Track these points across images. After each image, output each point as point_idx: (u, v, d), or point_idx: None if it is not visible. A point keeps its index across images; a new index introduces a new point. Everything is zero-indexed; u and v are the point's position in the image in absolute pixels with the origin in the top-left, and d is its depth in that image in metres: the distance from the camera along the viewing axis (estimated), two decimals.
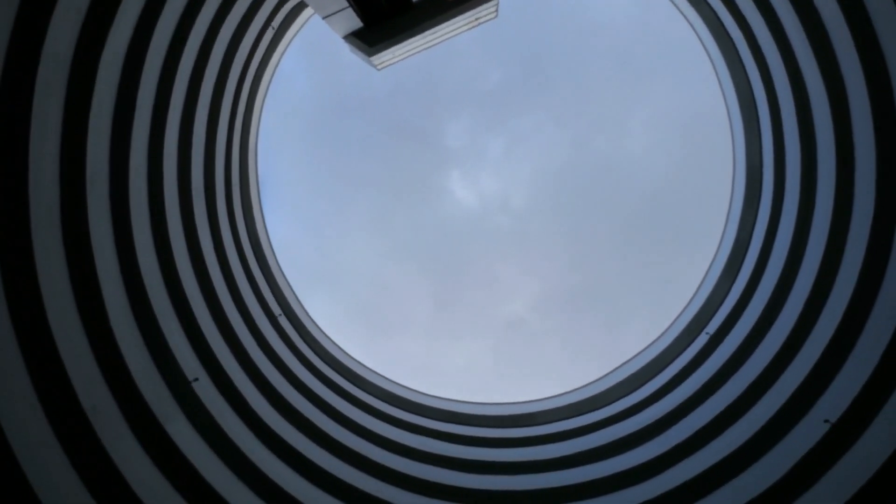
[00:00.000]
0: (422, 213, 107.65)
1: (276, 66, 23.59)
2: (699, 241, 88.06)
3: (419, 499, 15.86)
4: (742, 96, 19.58)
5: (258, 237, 22.29)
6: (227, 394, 14.92)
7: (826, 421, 12.89)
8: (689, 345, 19.99)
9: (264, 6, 19.77)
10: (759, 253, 18.34)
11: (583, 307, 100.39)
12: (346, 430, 17.74)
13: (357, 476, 15.86)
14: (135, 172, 14.03)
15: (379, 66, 22.45)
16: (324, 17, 19.39)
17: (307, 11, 22.67)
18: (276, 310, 20.86)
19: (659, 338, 21.94)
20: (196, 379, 14.02)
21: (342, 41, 21.35)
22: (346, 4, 18.79)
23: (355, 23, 20.18)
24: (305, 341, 21.46)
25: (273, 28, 21.59)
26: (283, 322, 20.80)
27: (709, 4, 19.16)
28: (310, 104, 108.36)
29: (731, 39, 19.28)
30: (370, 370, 22.80)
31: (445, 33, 22.16)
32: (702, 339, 19.29)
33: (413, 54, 23.05)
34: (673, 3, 21.38)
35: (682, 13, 21.28)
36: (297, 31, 23.50)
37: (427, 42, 22.24)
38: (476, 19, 21.78)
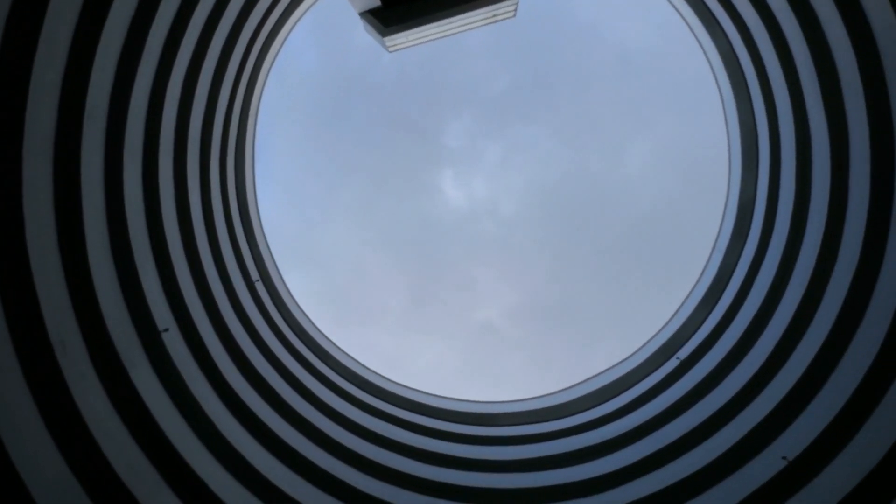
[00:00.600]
0: (409, 206, 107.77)
1: (287, 36, 23.46)
2: (680, 271, 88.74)
3: (349, 470, 16.04)
4: (745, 131, 19.70)
5: (246, 200, 22.15)
6: (194, 349, 14.80)
7: (784, 458, 12.97)
8: (658, 367, 20.10)
9: None
10: (739, 286, 18.49)
11: (555, 322, 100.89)
12: (306, 402, 17.75)
13: (300, 440, 16.00)
14: (133, 113, 13.89)
15: (391, 48, 22.41)
16: None
17: None
18: (255, 275, 20.74)
19: (629, 357, 22.03)
20: (166, 329, 13.89)
21: (355, 20, 21.27)
22: None
23: (374, 1, 20.13)
24: (279, 311, 21.36)
25: None
26: (260, 288, 20.69)
27: (726, 36, 19.22)
28: (313, 81, 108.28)
29: (742, 74, 19.37)
30: (338, 348, 22.74)
31: (461, 25, 22.14)
32: (671, 364, 19.40)
33: (426, 41, 23.02)
34: (692, 31, 21.46)
35: (699, 43, 21.34)
36: (311, 5, 23.37)
37: (442, 31, 22.20)
38: (494, 15, 21.78)
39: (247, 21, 18.80)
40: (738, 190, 20.23)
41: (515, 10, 21.87)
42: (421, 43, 22.91)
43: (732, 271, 19.52)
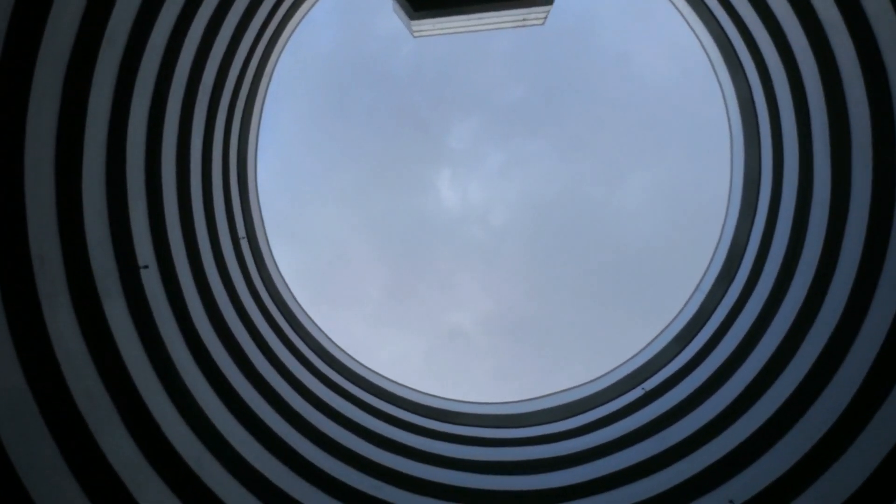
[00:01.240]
0: (403, 199, 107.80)
1: (311, 7, 23.36)
2: (659, 307, 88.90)
3: (290, 430, 16.16)
4: (749, 180, 19.83)
5: (246, 157, 22.11)
6: (169, 291, 14.72)
7: (730, 502, 13.08)
8: (622, 394, 20.16)
9: None
10: (716, 329, 18.64)
11: (526, 338, 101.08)
12: (269, 363, 17.75)
13: (250, 392, 16.13)
14: (152, 46, 13.90)
15: (416, 34, 22.38)
16: None
17: None
18: (241, 232, 20.68)
19: (595, 379, 22.07)
20: (146, 266, 13.81)
21: (380, 5, 21.27)
22: None
23: None
24: (259, 272, 21.31)
25: None
26: (244, 246, 20.62)
27: (747, 80, 19.34)
28: (328, 60, 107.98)
29: (756, 122, 19.49)
30: (309, 318, 22.71)
31: (490, 23, 22.16)
32: (636, 393, 19.47)
33: (451, 33, 23.02)
34: (713, 70, 21.54)
35: (719, 84, 21.43)
36: None
37: (470, 25, 22.22)
38: (523, 19, 21.81)
39: None
40: (731, 236, 20.36)
41: (546, 17, 21.89)
42: (446, 33, 22.90)
43: (712, 313, 19.64)
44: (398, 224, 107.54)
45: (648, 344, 21.76)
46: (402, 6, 20.28)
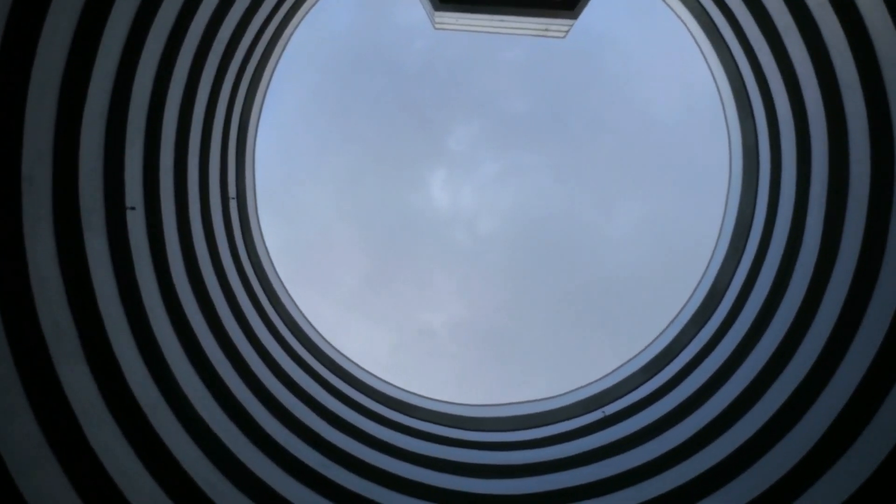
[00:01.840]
0: (394, 192, 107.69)
1: None
2: (630, 337, 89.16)
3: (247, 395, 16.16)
4: (740, 224, 20.00)
5: (249, 118, 22.07)
6: (152, 236, 14.63)
7: None
8: (580, 415, 20.18)
9: None
10: (685, 364, 18.75)
11: (493, 349, 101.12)
12: (236, 320, 17.67)
13: (213, 347, 15.98)
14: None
15: (437, 25, 22.37)
16: None
17: None
18: (232, 192, 20.61)
19: (557, 395, 22.08)
20: (133, 208, 13.73)
21: None
22: None
23: None
24: (243, 233, 21.23)
25: None
26: (233, 206, 20.54)
27: (754, 125, 19.47)
28: (341, 42, 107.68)
29: (757, 166, 19.64)
30: (284, 288, 22.65)
31: (512, 27, 22.19)
32: (595, 415, 19.51)
33: (472, 30, 23.04)
34: (724, 112, 21.66)
35: (726, 125, 21.55)
36: None
37: (491, 26, 22.24)
38: (545, 29, 21.84)
39: None
40: (713, 276, 20.50)
41: (567, 32, 21.94)
42: (466, 30, 22.91)
43: (683, 348, 19.77)
44: (385, 216, 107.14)
45: (616, 369, 21.83)
46: None
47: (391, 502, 15.29)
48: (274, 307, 21.09)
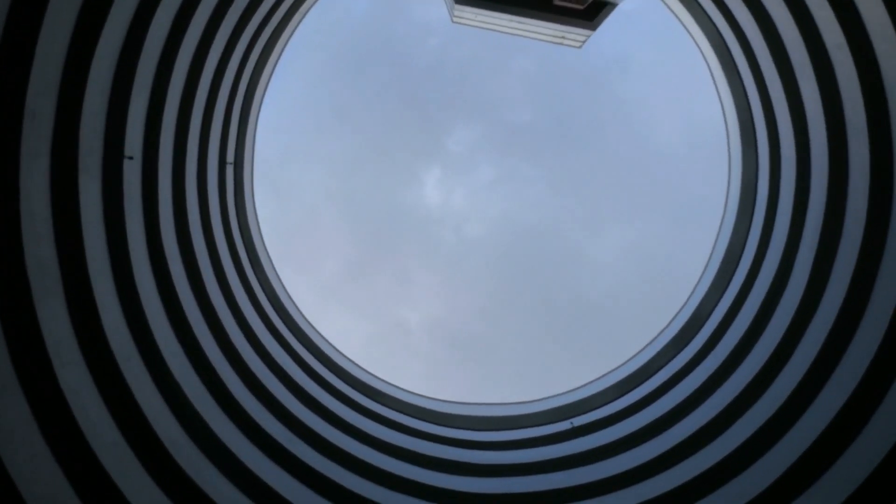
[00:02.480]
0: (387, 184, 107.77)
1: None
2: (602, 356, 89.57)
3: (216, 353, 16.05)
4: (728, 258, 20.05)
5: (256, 86, 22.03)
6: (145, 186, 14.54)
7: None
8: (548, 423, 20.19)
9: None
10: (657, 387, 18.80)
11: (465, 351, 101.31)
12: (217, 285, 17.55)
13: (190, 302, 15.80)
14: None
15: (455, 18, 22.36)
16: None
17: None
18: (231, 157, 20.54)
19: (525, 402, 22.08)
20: (131, 157, 13.66)
21: None
22: None
23: None
24: (235, 198, 21.14)
25: None
26: (229, 171, 20.46)
27: (756, 158, 19.56)
28: (354, 27, 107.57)
29: (754, 202, 19.73)
30: (269, 258, 22.58)
31: (529, 31, 22.21)
32: (563, 426, 19.52)
33: (489, 28, 23.02)
34: (728, 145, 21.74)
35: (729, 157, 21.62)
36: None
37: (509, 27, 22.25)
38: (563, 37, 21.89)
39: None
40: (695, 305, 20.59)
41: (584, 42, 21.99)
42: (483, 27, 22.88)
43: (656, 371, 19.82)
44: (375, 206, 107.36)
45: (589, 383, 21.84)
46: None
47: (345, 479, 15.37)
48: (256, 274, 21.01)
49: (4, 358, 9.77)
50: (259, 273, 21.26)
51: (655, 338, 21.85)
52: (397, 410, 20.29)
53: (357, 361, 22.57)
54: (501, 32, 23.10)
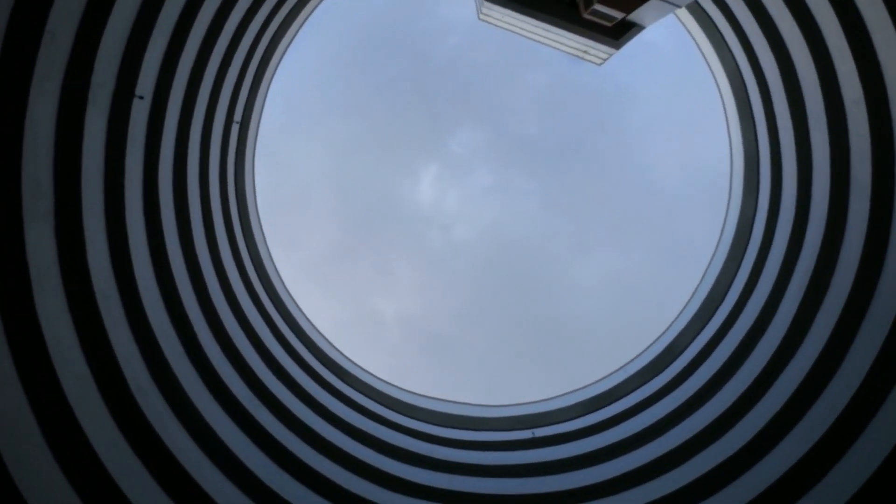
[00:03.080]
0: (383, 173, 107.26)
1: None
2: (565, 376, 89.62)
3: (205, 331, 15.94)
4: (713, 294, 20.18)
5: (273, 52, 22.01)
6: (150, 130, 14.46)
7: None
8: (509, 430, 20.20)
9: None
10: (623, 410, 18.84)
11: (434, 352, 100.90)
12: (206, 242, 17.48)
13: (179, 267, 15.69)
14: None
15: (482, 16, 22.37)
16: None
17: None
18: (238, 116, 20.47)
19: (489, 406, 22.04)
20: (141, 97, 13.59)
21: None
22: None
23: None
24: (236, 157, 21.08)
25: None
26: (234, 130, 20.39)
27: (756, 200, 19.67)
28: (373, 15, 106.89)
29: (746, 245, 19.85)
30: (259, 225, 22.51)
31: (553, 40, 22.25)
32: (524, 434, 19.56)
33: (514, 31, 23.02)
34: (730, 185, 21.83)
35: (729, 198, 21.70)
36: None
37: (534, 33, 22.28)
38: (585, 51, 21.92)
39: None
40: (671, 338, 20.69)
41: (606, 60, 22.03)
42: (507, 28, 22.88)
43: (626, 395, 19.88)
44: (367, 193, 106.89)
45: (557, 396, 21.86)
46: None
47: (298, 448, 15.42)
48: (244, 237, 20.93)
49: None
50: (247, 233, 21.19)
51: (627, 364, 21.89)
52: (361, 392, 20.28)
53: (331, 340, 22.57)
54: (525, 37, 23.11)
